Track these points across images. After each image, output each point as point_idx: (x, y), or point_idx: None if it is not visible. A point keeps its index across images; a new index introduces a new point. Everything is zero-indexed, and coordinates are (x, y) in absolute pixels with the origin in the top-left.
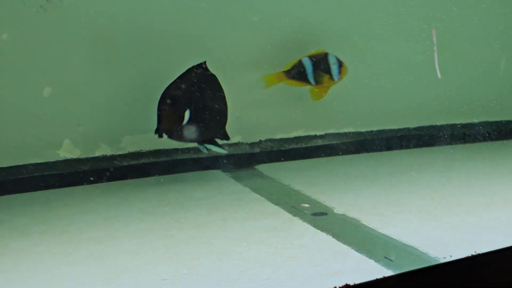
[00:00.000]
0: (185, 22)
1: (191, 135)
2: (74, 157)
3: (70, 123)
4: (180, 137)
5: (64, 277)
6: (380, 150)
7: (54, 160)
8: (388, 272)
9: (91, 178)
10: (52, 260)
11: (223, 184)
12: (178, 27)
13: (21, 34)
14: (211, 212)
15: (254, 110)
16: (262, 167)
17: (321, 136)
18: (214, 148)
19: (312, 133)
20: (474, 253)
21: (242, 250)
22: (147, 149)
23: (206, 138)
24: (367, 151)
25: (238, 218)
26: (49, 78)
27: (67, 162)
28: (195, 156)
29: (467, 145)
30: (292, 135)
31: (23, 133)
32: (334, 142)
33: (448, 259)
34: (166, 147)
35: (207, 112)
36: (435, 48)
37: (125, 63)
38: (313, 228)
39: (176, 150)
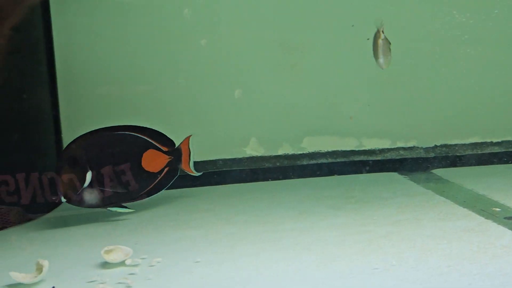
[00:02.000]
0: None
1: (91, 200)
2: (259, 155)
3: (255, 122)
4: (79, 202)
5: (274, 260)
6: None
7: (241, 156)
8: None
9: (279, 176)
10: (262, 245)
11: (404, 186)
12: None
13: (216, 41)
14: (402, 211)
15: (429, 116)
16: (439, 172)
17: (498, 143)
18: (119, 210)
19: (489, 140)
20: None
21: (444, 247)
22: (325, 150)
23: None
24: None
25: (430, 218)
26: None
27: (252, 159)
28: (373, 158)
29: None
30: (468, 141)
31: (220, 130)
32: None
33: None
34: (342, 149)
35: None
36: None
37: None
38: (510, 231)
39: (352, 152)
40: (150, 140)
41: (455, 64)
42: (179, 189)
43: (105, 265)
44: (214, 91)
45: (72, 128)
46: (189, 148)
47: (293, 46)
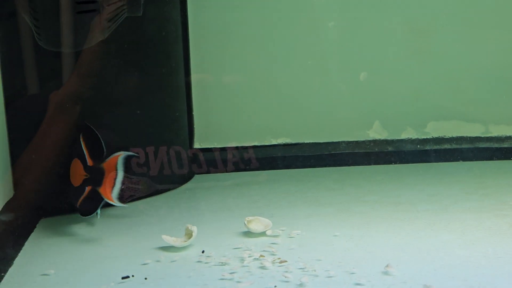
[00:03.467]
0: None
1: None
2: (382, 138)
3: (380, 106)
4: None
5: (414, 238)
6: None
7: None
8: None
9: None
10: (398, 223)
11: None
12: None
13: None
14: None
15: None
16: None
17: None
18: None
19: None
20: None
21: None
22: (449, 136)
23: None
24: None
25: None
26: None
27: (375, 142)
28: (500, 145)
29: None
30: None
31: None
32: None
33: None
34: (468, 134)
35: None
36: None
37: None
38: None
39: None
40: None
41: None
42: (305, 169)
43: (248, 234)
44: (339, 73)
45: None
46: (116, 170)
47: (420, 29)
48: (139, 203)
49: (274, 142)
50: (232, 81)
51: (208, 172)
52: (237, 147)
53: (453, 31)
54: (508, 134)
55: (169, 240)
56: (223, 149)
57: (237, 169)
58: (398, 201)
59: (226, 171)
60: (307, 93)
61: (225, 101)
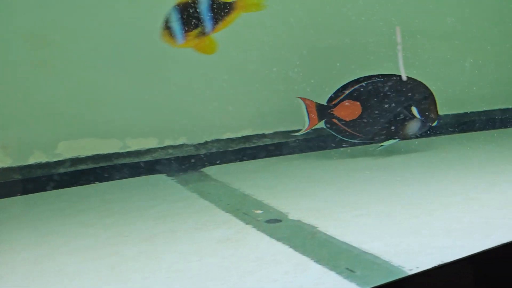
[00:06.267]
0: None
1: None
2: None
3: None
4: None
5: None
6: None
7: None
8: (352, 285)
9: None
10: None
11: (169, 191)
12: None
13: None
14: (159, 223)
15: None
16: (209, 170)
17: (270, 135)
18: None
19: (260, 132)
20: (440, 263)
21: (194, 266)
22: (85, 155)
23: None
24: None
25: (187, 229)
26: None
27: None
28: (136, 160)
29: (422, 139)
30: (239, 134)
31: None
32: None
33: (415, 271)
34: (105, 152)
35: None
36: (399, 47)
37: None
38: (268, 237)
39: (117, 154)
40: None
41: None
42: None
43: None
44: None
45: None
46: None
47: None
48: None
49: None
50: None
51: None
52: None
53: None
54: (148, 147)
55: None
56: None
57: None
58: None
59: None
60: None
61: None
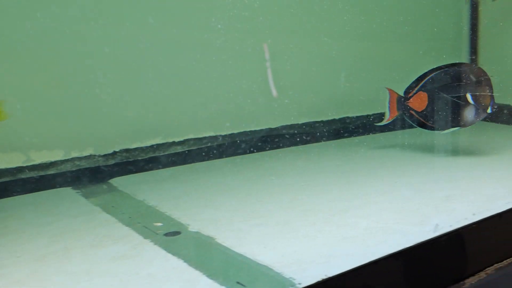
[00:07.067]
0: None
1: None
2: None
3: None
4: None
5: None
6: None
7: None
8: None
9: None
10: None
11: (71, 205)
12: None
13: None
14: (53, 241)
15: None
16: (117, 181)
17: (181, 143)
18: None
19: (171, 140)
20: (324, 277)
21: (83, 286)
22: None
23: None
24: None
25: (83, 245)
26: None
27: None
28: (41, 173)
29: (324, 143)
30: (148, 143)
31: None
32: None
33: (304, 284)
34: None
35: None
36: (267, 64)
37: None
38: (164, 251)
39: (20, 168)
40: None
41: None
42: None
43: None
44: None
45: None
46: None
47: None
48: None
49: None
50: None
51: None
52: None
53: None
54: (52, 160)
55: None
56: None
57: None
58: None
59: None
60: None
61: None
